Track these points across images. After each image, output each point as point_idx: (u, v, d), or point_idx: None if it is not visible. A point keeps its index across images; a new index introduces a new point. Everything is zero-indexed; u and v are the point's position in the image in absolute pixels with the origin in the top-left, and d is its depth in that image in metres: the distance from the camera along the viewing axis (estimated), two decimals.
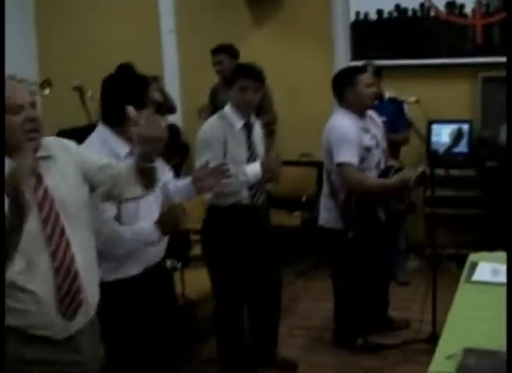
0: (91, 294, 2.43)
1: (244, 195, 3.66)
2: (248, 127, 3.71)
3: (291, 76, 5.53)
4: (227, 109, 3.70)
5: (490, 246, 3.38)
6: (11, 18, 6.43)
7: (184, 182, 3.10)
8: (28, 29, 6.82)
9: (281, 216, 5.56)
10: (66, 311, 2.34)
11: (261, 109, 5.37)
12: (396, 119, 4.88)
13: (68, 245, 2.31)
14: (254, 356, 3.94)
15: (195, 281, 3.97)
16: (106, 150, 2.73)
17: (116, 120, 2.75)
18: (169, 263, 3.94)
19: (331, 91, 4.06)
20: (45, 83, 5.45)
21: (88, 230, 2.46)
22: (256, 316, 3.95)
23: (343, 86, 3.97)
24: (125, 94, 2.74)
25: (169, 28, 6.36)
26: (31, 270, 2.26)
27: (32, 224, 2.17)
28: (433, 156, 4.04)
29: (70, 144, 2.52)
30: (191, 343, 4.12)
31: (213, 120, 3.70)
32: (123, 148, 2.76)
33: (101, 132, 2.79)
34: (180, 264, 3.97)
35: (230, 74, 5.30)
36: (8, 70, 5.27)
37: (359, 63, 5.01)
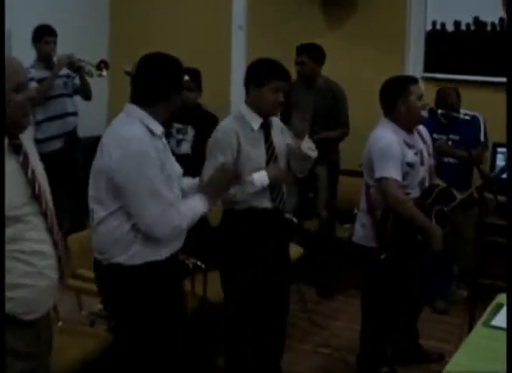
0: None
1: (264, 198, 3.49)
2: (267, 127, 3.51)
3: (359, 84, 5.29)
4: (244, 109, 3.49)
5: None
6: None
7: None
8: (102, 13, 6.87)
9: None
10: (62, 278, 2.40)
11: (336, 120, 5.17)
12: (469, 137, 4.60)
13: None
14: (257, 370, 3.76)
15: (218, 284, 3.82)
16: (143, 128, 2.72)
17: (150, 101, 2.75)
18: (191, 262, 3.84)
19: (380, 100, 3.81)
20: (101, 64, 5.32)
21: None
22: (260, 328, 3.74)
23: (395, 96, 3.69)
24: (165, 75, 2.75)
25: (238, 24, 6.27)
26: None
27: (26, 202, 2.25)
28: (485, 180, 3.75)
29: None
30: (209, 348, 3.98)
31: (228, 121, 3.50)
32: (157, 127, 2.76)
33: (135, 111, 2.76)
34: (203, 265, 3.88)
35: (310, 77, 5.14)
36: (77, 49, 5.31)
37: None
